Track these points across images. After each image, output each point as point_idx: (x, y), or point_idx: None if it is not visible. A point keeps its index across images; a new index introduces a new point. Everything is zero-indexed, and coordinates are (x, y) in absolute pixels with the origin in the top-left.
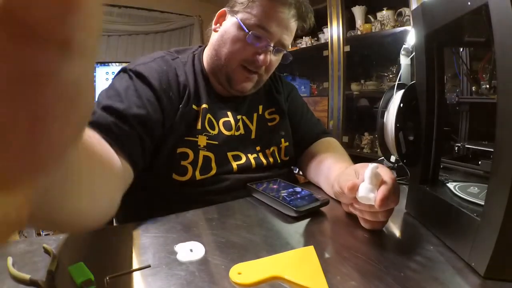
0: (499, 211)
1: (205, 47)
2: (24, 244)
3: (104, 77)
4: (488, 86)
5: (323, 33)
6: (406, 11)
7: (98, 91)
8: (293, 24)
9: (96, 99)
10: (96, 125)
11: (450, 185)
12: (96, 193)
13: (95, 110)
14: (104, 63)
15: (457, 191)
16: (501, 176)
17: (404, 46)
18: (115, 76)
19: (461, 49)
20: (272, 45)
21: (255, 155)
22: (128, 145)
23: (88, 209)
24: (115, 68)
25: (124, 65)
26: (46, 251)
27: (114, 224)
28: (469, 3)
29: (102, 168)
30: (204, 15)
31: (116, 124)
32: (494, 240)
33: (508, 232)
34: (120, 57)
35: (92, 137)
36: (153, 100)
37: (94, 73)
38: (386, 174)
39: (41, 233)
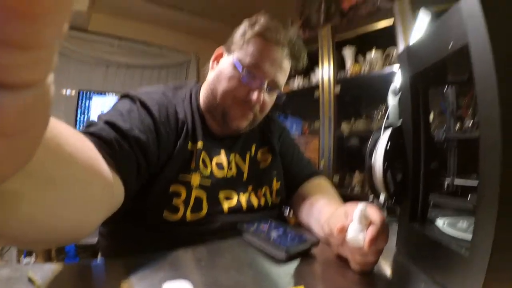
0: (487, 244)
1: (201, 84)
2: (8, 269)
3: (100, 107)
4: (471, 122)
5: (314, 73)
6: (394, 52)
7: (94, 119)
8: (287, 64)
9: (96, 119)
10: (97, 136)
11: (439, 221)
12: (67, 201)
13: (97, 122)
14: (100, 93)
15: (446, 227)
16: (486, 209)
17: (391, 86)
18: (116, 102)
19: (446, 87)
20: (265, 83)
21: (246, 195)
22: (125, 164)
23: (53, 217)
24: (111, 98)
25: None
26: (31, 280)
27: (100, 257)
28: (451, 45)
29: (83, 174)
30: (201, 52)
31: (118, 141)
32: (484, 274)
33: (497, 265)
34: (116, 88)
35: (80, 140)
36: (152, 129)
37: (89, 102)
38: (375, 214)
39: (22, 259)
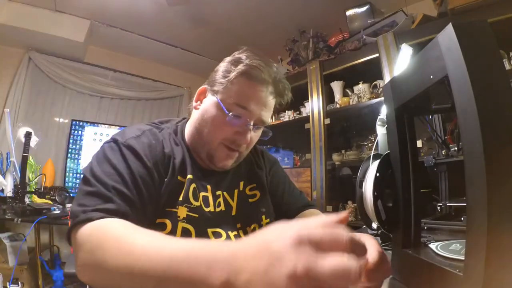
0: (480, 263)
1: (187, 120)
2: None
3: (92, 137)
4: (456, 148)
5: (305, 107)
6: (381, 83)
7: (86, 149)
8: (271, 101)
9: (90, 166)
10: (122, 215)
11: (432, 246)
12: None
13: (112, 197)
14: (93, 123)
15: (439, 251)
16: (476, 230)
17: (379, 116)
18: (105, 146)
19: (431, 115)
20: (251, 123)
21: (235, 232)
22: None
23: None
24: (104, 129)
25: (113, 128)
26: None
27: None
28: (431, 77)
29: None
30: (194, 87)
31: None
32: None
33: (491, 282)
34: (110, 119)
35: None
36: (146, 178)
37: (81, 131)
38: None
39: (8, 286)
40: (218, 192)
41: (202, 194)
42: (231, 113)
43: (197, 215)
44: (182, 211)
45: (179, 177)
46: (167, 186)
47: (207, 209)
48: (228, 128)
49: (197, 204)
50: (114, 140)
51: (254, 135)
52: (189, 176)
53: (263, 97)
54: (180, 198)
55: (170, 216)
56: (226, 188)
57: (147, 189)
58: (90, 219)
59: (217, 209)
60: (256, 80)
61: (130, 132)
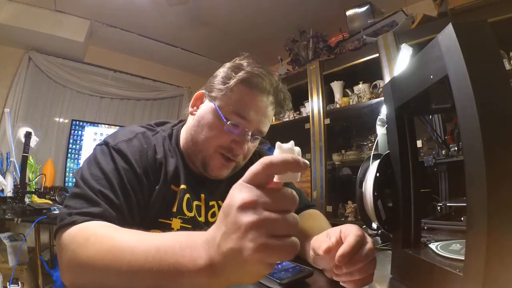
0: (480, 263)
1: (184, 124)
2: None
3: (92, 137)
4: (456, 148)
5: (305, 107)
6: (381, 83)
7: (85, 149)
8: (271, 112)
9: (80, 168)
10: (106, 219)
11: (432, 246)
12: None
13: (98, 201)
14: (93, 123)
15: (439, 251)
16: (476, 230)
17: (379, 116)
18: (96, 148)
19: (431, 115)
20: (249, 133)
21: None
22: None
23: None
24: (104, 129)
25: (113, 128)
26: None
27: None
28: (431, 77)
29: None
30: (194, 87)
31: (118, 220)
32: None
33: (491, 282)
34: (110, 119)
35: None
36: (135, 184)
37: (81, 131)
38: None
39: (8, 286)
40: (212, 203)
41: (195, 203)
42: (229, 122)
43: (190, 226)
44: (176, 223)
45: (172, 186)
46: (158, 194)
47: (199, 219)
48: (225, 137)
49: (191, 214)
50: (105, 143)
51: (251, 146)
52: (183, 186)
53: (263, 107)
54: (174, 210)
55: (163, 228)
56: (221, 197)
57: (136, 195)
58: (74, 222)
59: (212, 220)
60: (256, 88)
61: (122, 134)
